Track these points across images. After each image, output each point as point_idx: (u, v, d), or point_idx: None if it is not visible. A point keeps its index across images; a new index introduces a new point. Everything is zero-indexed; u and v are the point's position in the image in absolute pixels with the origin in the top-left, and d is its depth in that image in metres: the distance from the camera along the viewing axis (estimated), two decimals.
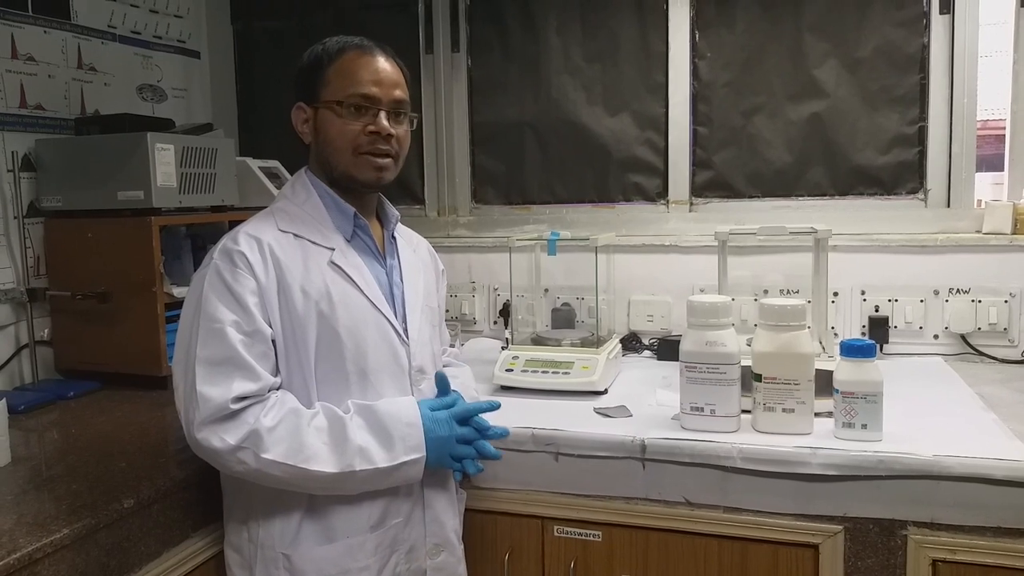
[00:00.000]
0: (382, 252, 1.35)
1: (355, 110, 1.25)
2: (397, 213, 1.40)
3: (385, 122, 1.26)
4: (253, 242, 1.22)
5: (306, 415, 1.18)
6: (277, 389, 1.20)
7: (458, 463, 1.26)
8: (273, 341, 1.20)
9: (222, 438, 1.13)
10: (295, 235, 1.26)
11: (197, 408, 1.14)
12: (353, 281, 1.26)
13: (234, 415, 1.14)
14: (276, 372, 1.21)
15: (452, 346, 1.63)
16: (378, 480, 1.21)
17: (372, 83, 1.26)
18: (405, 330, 1.30)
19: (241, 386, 1.14)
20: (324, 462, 1.16)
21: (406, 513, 1.28)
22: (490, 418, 1.31)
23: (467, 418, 1.27)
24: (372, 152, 1.26)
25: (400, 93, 1.29)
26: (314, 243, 1.26)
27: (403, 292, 1.34)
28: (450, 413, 1.26)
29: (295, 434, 1.15)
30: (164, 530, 1.26)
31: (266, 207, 1.34)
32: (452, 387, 1.37)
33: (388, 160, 1.29)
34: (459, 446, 1.25)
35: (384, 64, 1.28)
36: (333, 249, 1.26)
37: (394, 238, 1.38)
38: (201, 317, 1.17)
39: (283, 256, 1.22)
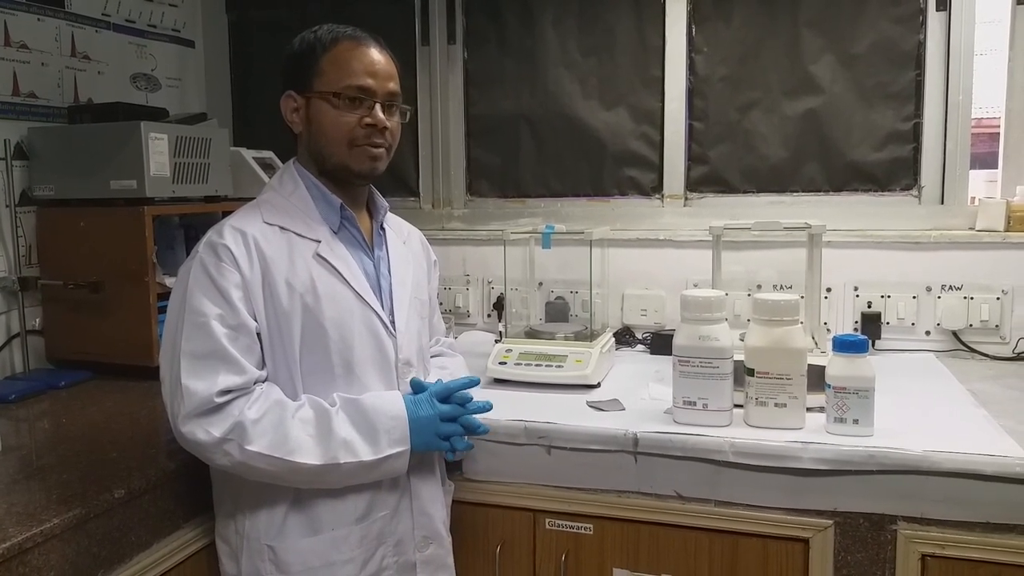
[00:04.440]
0: (370, 243, 1.34)
1: (350, 102, 1.24)
2: (386, 204, 1.40)
3: (381, 115, 1.26)
4: (238, 235, 1.21)
5: (291, 407, 1.18)
6: (263, 382, 1.20)
7: (446, 442, 1.26)
8: (258, 334, 1.20)
9: (207, 431, 1.13)
10: (281, 227, 1.25)
11: (182, 401, 1.14)
12: (339, 273, 1.25)
13: (219, 408, 1.14)
14: (261, 365, 1.21)
15: (446, 337, 1.61)
16: (363, 473, 1.21)
17: (368, 75, 1.25)
18: (392, 322, 1.30)
19: (226, 379, 1.14)
20: (308, 454, 1.16)
21: (392, 506, 1.28)
22: (473, 396, 1.30)
23: (447, 395, 1.27)
24: (367, 144, 1.26)
25: (394, 85, 1.29)
26: (300, 235, 1.25)
27: (391, 284, 1.33)
28: (429, 393, 1.26)
29: (279, 426, 1.15)
30: (155, 520, 1.26)
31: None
32: (439, 377, 1.38)
33: (382, 151, 1.29)
34: (444, 424, 1.25)
35: (378, 56, 1.27)
36: (319, 241, 1.26)
37: (383, 229, 1.38)
38: (186, 311, 1.17)
39: (268, 249, 1.22)
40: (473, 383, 1.32)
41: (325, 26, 1.28)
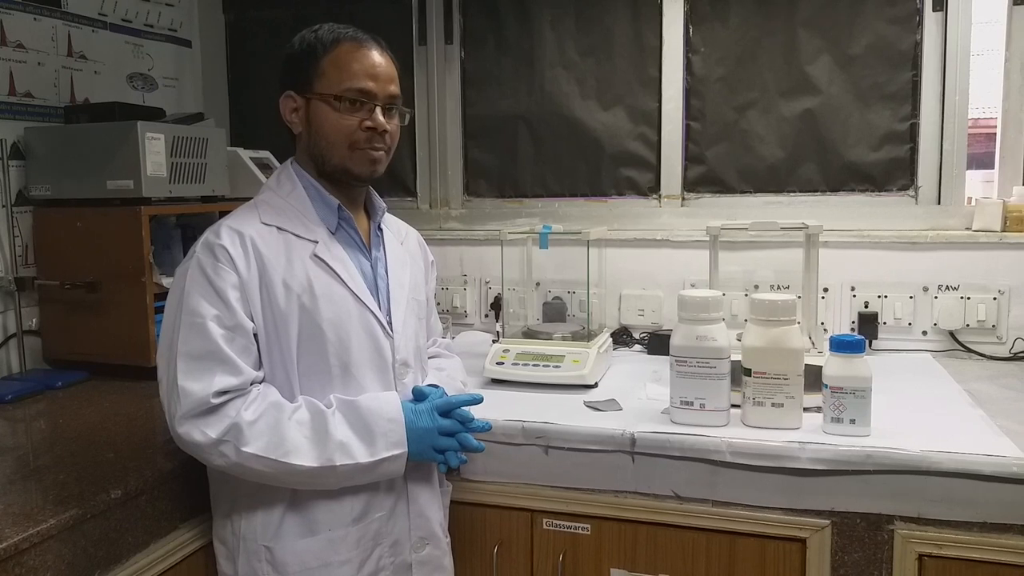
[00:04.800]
0: (368, 244, 1.34)
1: (351, 104, 1.24)
2: (384, 204, 1.39)
3: (381, 118, 1.26)
4: (235, 236, 1.21)
5: (288, 409, 1.18)
6: (260, 383, 1.20)
7: (441, 455, 1.25)
8: (255, 335, 1.20)
9: (203, 432, 1.13)
10: (278, 228, 1.25)
11: (178, 402, 1.14)
12: (336, 274, 1.25)
13: (215, 409, 1.13)
14: (258, 366, 1.21)
15: (444, 337, 1.61)
16: (359, 475, 1.20)
17: (369, 77, 1.24)
18: (389, 323, 1.30)
19: (222, 380, 1.14)
20: (304, 456, 1.16)
21: (389, 507, 1.27)
22: (474, 412, 1.30)
23: (449, 410, 1.27)
24: (368, 148, 1.26)
25: (395, 88, 1.28)
26: (297, 236, 1.25)
27: (388, 285, 1.33)
28: (431, 405, 1.26)
29: (276, 428, 1.15)
30: (152, 521, 1.26)
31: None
32: (435, 380, 1.38)
33: (382, 154, 1.28)
34: (441, 438, 1.24)
35: (379, 58, 1.27)
36: (316, 242, 1.25)
37: (380, 230, 1.37)
38: (183, 312, 1.17)
39: (265, 250, 1.21)
40: (476, 401, 1.31)
41: (326, 26, 1.28)
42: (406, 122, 1.33)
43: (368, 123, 1.25)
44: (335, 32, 1.26)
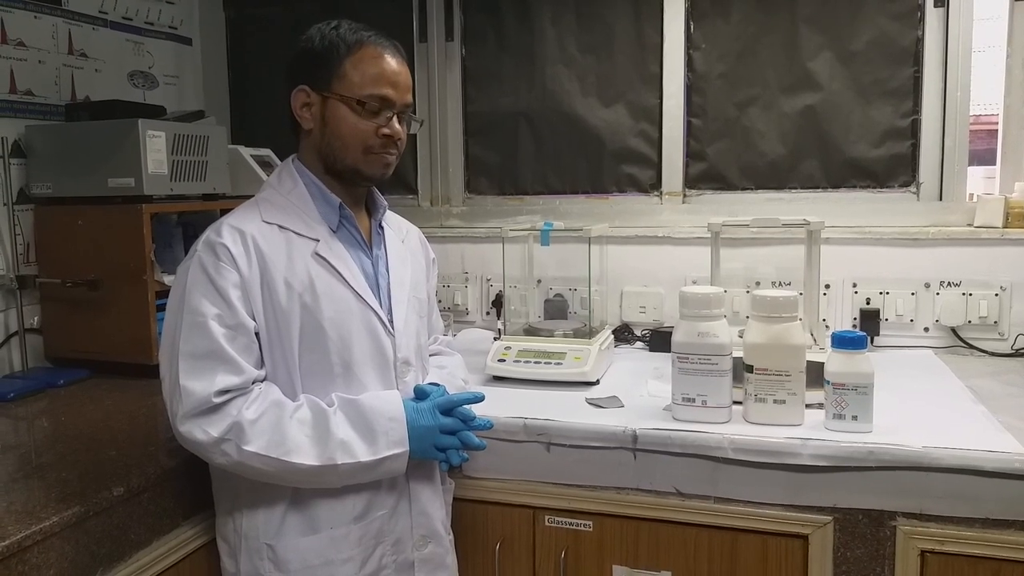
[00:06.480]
0: (369, 242, 1.34)
1: (372, 110, 1.24)
2: (385, 202, 1.39)
3: (398, 126, 1.26)
4: (236, 234, 1.21)
5: (289, 407, 1.18)
6: (262, 381, 1.20)
7: (442, 453, 1.25)
8: (257, 334, 1.20)
9: (205, 431, 1.13)
10: (279, 226, 1.24)
11: (180, 401, 1.14)
12: (338, 272, 1.25)
13: (217, 408, 1.14)
14: (260, 365, 1.21)
15: (445, 335, 1.61)
16: (361, 474, 1.20)
17: (390, 85, 1.25)
18: (391, 321, 1.30)
19: (224, 379, 1.14)
20: (306, 455, 1.16)
21: (391, 505, 1.27)
22: (475, 410, 1.30)
23: (450, 408, 1.27)
24: (382, 152, 1.26)
25: (410, 97, 1.29)
26: (298, 234, 1.25)
27: (389, 283, 1.33)
28: (433, 403, 1.26)
29: (277, 426, 1.15)
30: (154, 519, 1.26)
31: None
32: (437, 379, 1.38)
33: (393, 159, 1.29)
34: (443, 436, 1.25)
35: (400, 66, 1.27)
36: (318, 240, 1.25)
37: (381, 228, 1.37)
38: (184, 311, 1.17)
39: (267, 248, 1.21)
40: (477, 399, 1.31)
41: (345, 23, 1.27)
42: (414, 131, 1.33)
43: (385, 130, 1.25)
44: (358, 33, 1.25)
